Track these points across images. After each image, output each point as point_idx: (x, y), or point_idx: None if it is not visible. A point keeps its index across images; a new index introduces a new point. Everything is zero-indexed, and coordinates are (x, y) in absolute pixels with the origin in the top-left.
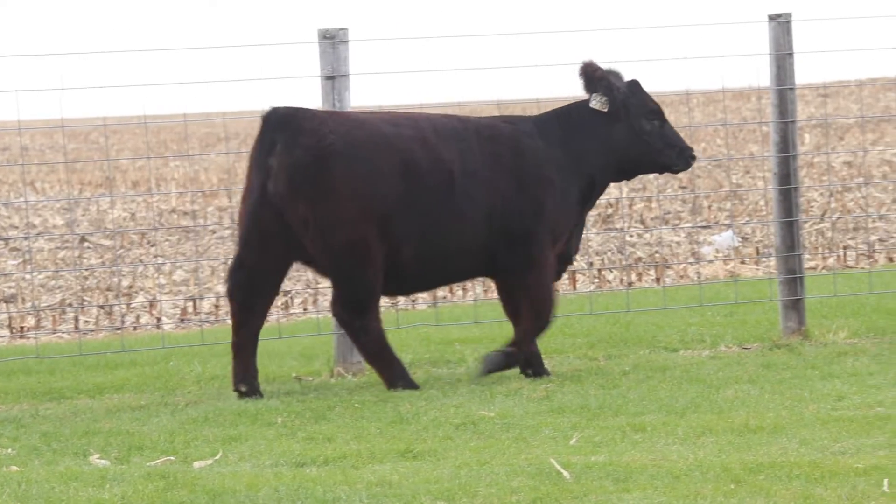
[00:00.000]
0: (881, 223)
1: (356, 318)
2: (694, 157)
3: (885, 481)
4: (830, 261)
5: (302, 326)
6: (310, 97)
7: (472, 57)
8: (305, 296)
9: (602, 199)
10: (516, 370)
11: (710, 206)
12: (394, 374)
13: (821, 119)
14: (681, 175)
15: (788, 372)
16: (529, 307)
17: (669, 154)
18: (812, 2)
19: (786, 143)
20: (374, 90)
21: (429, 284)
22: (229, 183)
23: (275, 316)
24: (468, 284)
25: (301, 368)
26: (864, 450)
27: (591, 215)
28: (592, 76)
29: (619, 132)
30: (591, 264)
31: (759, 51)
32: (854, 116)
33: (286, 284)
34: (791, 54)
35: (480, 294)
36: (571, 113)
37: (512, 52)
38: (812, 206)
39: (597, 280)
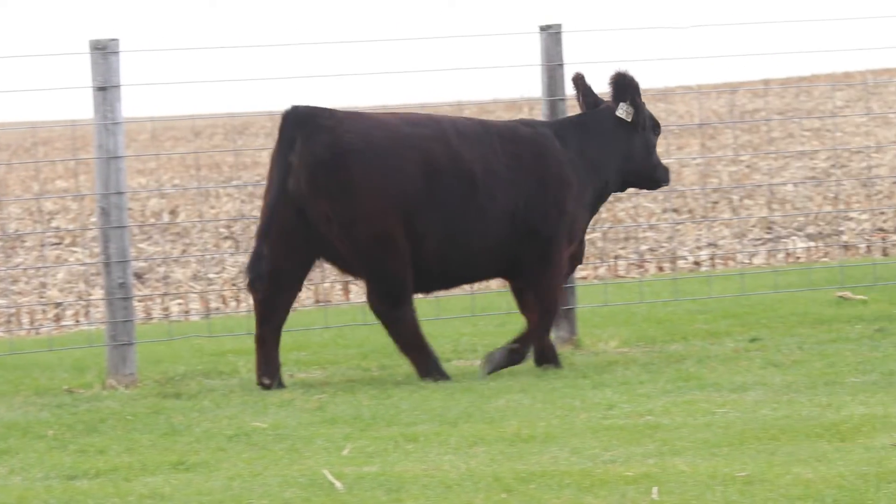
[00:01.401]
0: (651, 233)
1: (391, 309)
2: None
3: (655, 489)
4: (601, 270)
5: (74, 338)
6: (84, 108)
7: (245, 67)
8: (77, 307)
9: None
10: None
11: None
12: (428, 364)
13: None
14: None
15: (560, 381)
16: (541, 305)
17: (660, 170)
18: (582, 13)
19: None
20: (147, 101)
21: (450, 282)
22: None
23: (46, 328)
24: (241, 296)
25: (73, 380)
26: (634, 458)
27: None
28: (627, 85)
29: (636, 143)
30: None
31: (531, 62)
32: None
33: (58, 296)
34: (562, 65)
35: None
36: (589, 120)
37: (285, 63)
38: None
39: None
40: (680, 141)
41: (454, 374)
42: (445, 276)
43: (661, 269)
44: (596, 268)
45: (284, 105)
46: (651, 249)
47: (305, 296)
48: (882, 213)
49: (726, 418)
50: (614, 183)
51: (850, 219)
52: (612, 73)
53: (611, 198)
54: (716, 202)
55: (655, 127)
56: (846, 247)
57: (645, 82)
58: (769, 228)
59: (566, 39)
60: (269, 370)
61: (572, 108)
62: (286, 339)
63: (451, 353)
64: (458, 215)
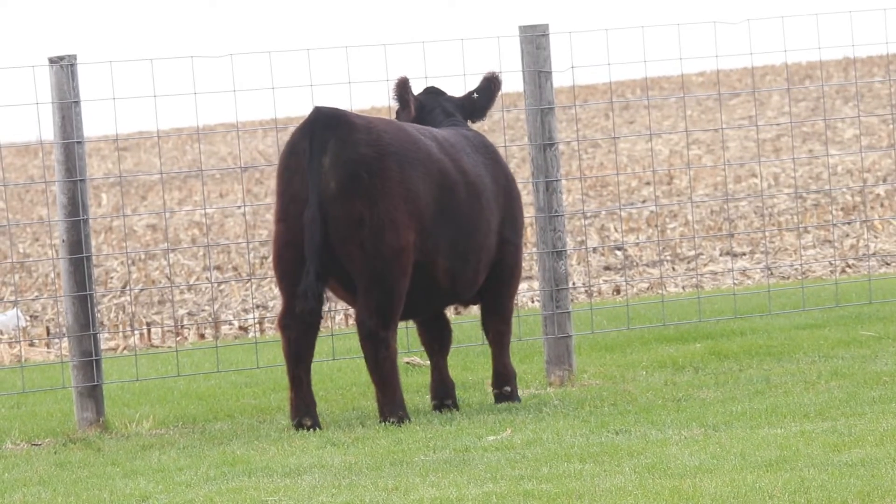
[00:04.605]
0: (190, 295)
1: (382, 329)
2: None
3: None
4: (132, 340)
5: None
6: None
7: None
8: None
9: None
10: None
11: None
12: (396, 402)
13: (119, 176)
14: None
15: (86, 470)
16: (504, 319)
17: None
18: (103, 44)
19: (75, 206)
20: None
21: (456, 301)
22: None
23: None
24: None
25: None
26: None
27: None
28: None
29: None
30: None
31: (44, 99)
32: (157, 172)
33: None
34: (78, 102)
35: None
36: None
37: None
38: (111, 278)
39: None
40: (222, 187)
41: None
42: (452, 295)
43: (202, 336)
44: (126, 337)
45: None
46: (190, 314)
47: None
48: None
49: None
50: None
51: None
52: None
53: (142, 254)
54: (264, 257)
55: None
56: None
57: (180, 119)
58: None
59: (82, 73)
60: (308, 410)
61: (96, 152)
62: None
63: None
64: (467, 230)
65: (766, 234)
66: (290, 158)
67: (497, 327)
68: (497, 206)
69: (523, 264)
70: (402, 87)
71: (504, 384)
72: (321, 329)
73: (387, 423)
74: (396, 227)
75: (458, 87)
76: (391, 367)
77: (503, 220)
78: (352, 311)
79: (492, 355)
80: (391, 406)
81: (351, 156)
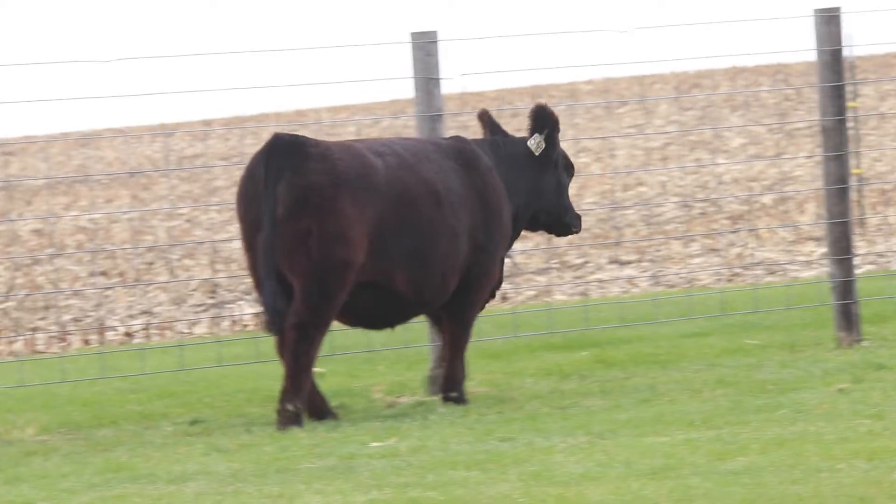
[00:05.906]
0: (76, 300)
1: (313, 327)
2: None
3: None
4: (17, 345)
5: None
6: None
7: None
8: None
9: None
10: None
11: None
12: (298, 394)
13: (4, 181)
14: None
15: None
16: (463, 324)
17: (571, 214)
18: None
19: None
20: None
21: (425, 308)
22: None
23: None
24: None
25: None
26: None
27: None
28: (546, 118)
29: (547, 180)
30: None
31: None
32: (43, 177)
33: None
34: None
35: None
36: (502, 143)
37: None
38: None
39: None
40: (109, 192)
41: None
42: (422, 303)
43: (87, 342)
44: (10, 342)
45: None
46: (75, 319)
47: None
48: None
49: None
50: (523, 217)
51: None
52: (534, 104)
53: (27, 259)
54: (151, 263)
55: (568, 168)
56: None
57: (65, 125)
58: (213, 292)
59: None
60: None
61: None
62: None
63: None
64: (428, 239)
65: (653, 242)
66: (248, 184)
67: (453, 329)
68: (467, 212)
69: None
70: (482, 118)
71: (450, 390)
72: (208, 335)
73: (284, 409)
74: (346, 242)
75: (358, 91)
76: (307, 362)
77: (475, 226)
78: (237, 318)
79: (445, 357)
80: (293, 394)
81: (304, 183)
